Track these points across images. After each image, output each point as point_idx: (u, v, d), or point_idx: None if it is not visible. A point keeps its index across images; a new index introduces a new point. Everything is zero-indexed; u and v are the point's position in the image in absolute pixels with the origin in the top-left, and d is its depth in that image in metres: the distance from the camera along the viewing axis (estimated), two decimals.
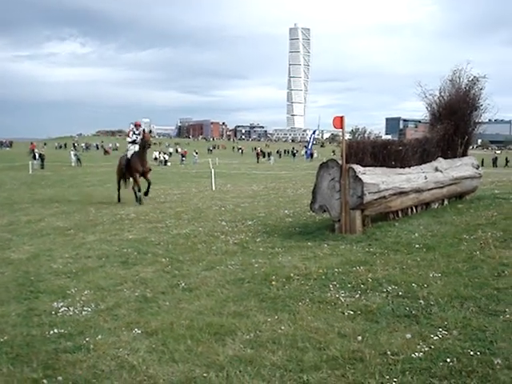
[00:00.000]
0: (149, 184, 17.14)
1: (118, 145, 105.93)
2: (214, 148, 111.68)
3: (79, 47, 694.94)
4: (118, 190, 17.66)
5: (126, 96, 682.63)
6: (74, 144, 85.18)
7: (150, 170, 17.70)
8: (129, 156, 17.31)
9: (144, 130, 17.72)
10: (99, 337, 4.76)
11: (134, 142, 17.39)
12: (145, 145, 16.93)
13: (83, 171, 38.75)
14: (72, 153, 53.09)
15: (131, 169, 16.99)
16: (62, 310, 5.65)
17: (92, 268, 7.57)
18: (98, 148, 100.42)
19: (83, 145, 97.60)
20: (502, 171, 35.64)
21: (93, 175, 33.51)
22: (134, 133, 17.65)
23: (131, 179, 17.34)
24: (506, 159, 55.75)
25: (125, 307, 5.69)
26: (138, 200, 16.42)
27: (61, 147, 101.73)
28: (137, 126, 18.21)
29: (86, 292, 6.30)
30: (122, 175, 17.67)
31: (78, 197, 19.11)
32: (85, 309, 5.65)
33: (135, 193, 16.73)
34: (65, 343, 4.65)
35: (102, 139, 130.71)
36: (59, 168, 42.33)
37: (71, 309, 5.66)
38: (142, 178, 17.00)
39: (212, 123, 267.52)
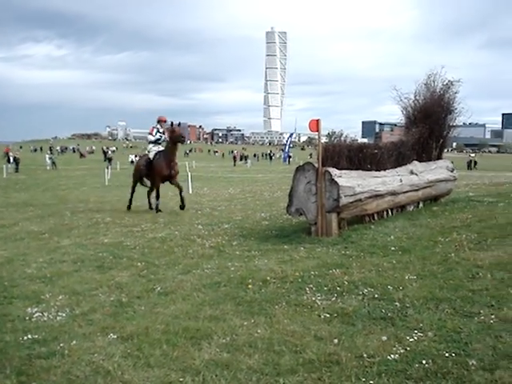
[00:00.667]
0: (180, 191, 14.33)
1: (94, 148, 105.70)
2: (191, 151, 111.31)
3: (55, 49, 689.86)
4: (131, 195, 15.25)
5: (103, 99, 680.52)
6: (50, 147, 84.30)
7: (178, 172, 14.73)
8: (151, 157, 14.49)
9: (172, 123, 14.31)
10: (74, 342, 4.68)
11: (156, 142, 14.66)
12: (176, 140, 14.06)
13: (58, 174, 38.34)
14: (47, 156, 52.61)
15: (154, 172, 14.33)
16: (36, 315, 5.54)
17: (67, 272, 7.46)
18: (74, 151, 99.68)
19: (58, 148, 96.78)
20: (475, 174, 36.12)
21: (68, 178, 33.18)
22: (158, 130, 14.72)
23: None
24: (475, 162, 56.57)
25: (100, 312, 5.61)
26: (156, 208, 14.40)
27: (36, 150, 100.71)
28: (161, 122, 14.91)
29: (60, 297, 6.20)
30: (139, 179, 15.15)
31: (52, 200, 18.83)
32: (59, 314, 5.56)
33: (149, 200, 15.00)
34: (39, 349, 4.57)
35: (78, 142, 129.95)
36: (34, 171, 41.83)
37: (45, 314, 5.56)
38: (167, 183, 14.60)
39: (189, 126, 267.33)
